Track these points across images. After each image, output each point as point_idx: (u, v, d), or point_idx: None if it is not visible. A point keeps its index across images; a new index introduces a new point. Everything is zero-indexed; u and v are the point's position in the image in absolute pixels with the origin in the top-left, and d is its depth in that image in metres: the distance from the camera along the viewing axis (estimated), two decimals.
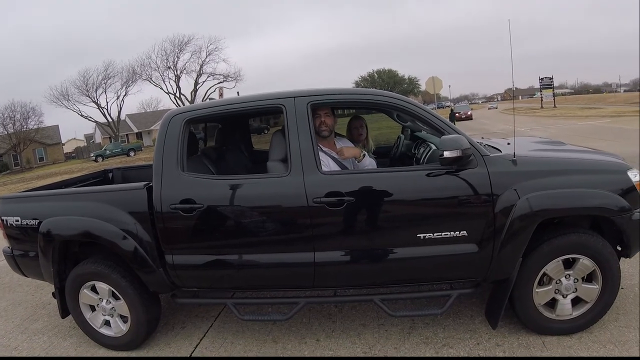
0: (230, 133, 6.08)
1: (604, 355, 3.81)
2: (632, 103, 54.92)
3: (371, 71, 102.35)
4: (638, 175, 4.11)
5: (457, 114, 54.42)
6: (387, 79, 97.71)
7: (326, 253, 4.03)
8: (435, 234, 3.90)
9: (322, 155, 4.31)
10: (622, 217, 3.96)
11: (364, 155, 4.54)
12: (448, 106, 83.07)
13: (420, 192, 3.98)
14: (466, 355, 4.03)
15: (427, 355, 4.09)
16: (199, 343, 4.72)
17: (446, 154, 3.75)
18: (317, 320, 4.92)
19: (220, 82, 67.37)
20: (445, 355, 4.07)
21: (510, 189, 3.85)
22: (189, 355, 4.52)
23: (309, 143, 4.04)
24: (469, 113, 61.74)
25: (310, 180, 3.97)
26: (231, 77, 69.23)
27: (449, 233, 3.90)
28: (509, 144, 4.48)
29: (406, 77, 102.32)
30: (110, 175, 6.89)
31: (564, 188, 3.90)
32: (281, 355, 4.35)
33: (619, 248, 4.22)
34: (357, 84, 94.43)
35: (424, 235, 3.91)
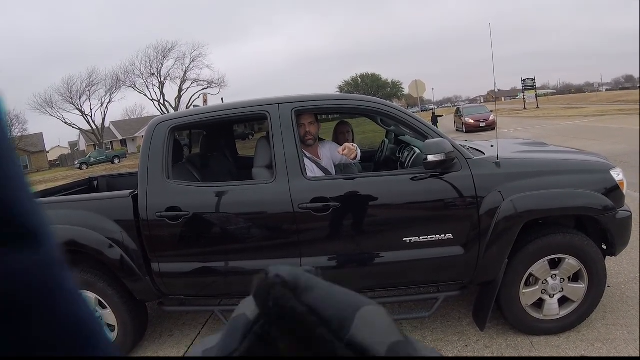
0: (215, 140, 6.07)
1: (604, 356, 3.83)
2: (615, 102, 55.36)
3: (355, 75, 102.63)
4: (621, 174, 4.15)
5: (467, 121, 35.03)
6: (370, 83, 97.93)
7: (313, 258, 4.03)
8: (421, 238, 3.92)
9: (306, 162, 4.32)
10: (607, 216, 4.00)
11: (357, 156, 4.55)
12: (432, 109, 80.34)
13: (405, 196, 4.00)
14: (471, 356, 4.05)
15: None
16: (186, 351, 4.69)
17: (430, 157, 3.77)
18: None
19: (205, 89, 67.18)
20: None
21: (495, 191, 3.87)
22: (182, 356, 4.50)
23: (293, 149, 4.04)
24: (490, 119, 34.32)
25: (296, 186, 3.97)
26: (215, 84, 69.05)
27: (434, 236, 3.91)
28: (492, 146, 4.51)
29: (389, 80, 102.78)
30: (96, 183, 6.83)
31: (548, 189, 3.93)
32: None
33: (604, 247, 4.26)
34: (341, 89, 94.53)
35: (410, 238, 3.93)
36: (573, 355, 3.87)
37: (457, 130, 38.53)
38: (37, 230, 0.41)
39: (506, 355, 3.97)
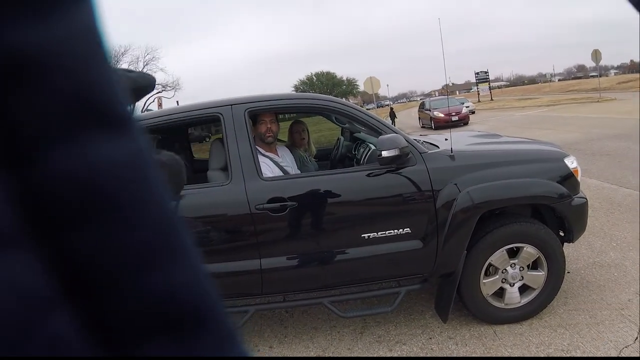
0: (170, 144, 6.00)
1: (608, 356, 3.85)
2: (567, 91, 56.41)
3: (310, 74, 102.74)
4: (575, 162, 4.21)
5: (436, 115, 31.31)
6: (325, 82, 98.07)
7: (272, 259, 3.99)
8: (379, 233, 3.92)
9: (264, 160, 4.29)
10: (563, 204, 4.06)
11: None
12: (387, 105, 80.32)
13: (362, 192, 4.00)
14: (475, 356, 4.06)
15: (381, 353, 4.10)
16: None
17: (384, 153, 3.77)
18: (268, 327, 4.88)
19: (159, 92, 66.53)
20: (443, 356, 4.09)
21: (451, 183, 3.89)
22: None
23: (248, 150, 4.01)
24: (463, 111, 31.75)
25: (252, 187, 3.93)
26: (170, 87, 68.44)
27: (392, 231, 3.91)
28: (446, 139, 4.53)
29: (344, 78, 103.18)
30: None
31: (504, 179, 3.96)
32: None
33: (561, 234, 4.31)
34: (297, 88, 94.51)
35: (369, 234, 3.92)
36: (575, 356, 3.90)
37: (422, 127, 34.67)
38: (126, 117, 0.38)
39: (514, 356, 4.00)
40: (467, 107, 33.96)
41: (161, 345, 0.37)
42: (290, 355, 4.30)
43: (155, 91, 66.32)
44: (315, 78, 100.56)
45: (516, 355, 3.81)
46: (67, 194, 0.34)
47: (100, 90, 0.36)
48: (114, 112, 0.37)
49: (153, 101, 59.16)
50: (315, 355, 4.24)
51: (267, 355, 4.36)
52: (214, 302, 0.42)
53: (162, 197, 0.39)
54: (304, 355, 4.26)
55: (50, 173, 0.33)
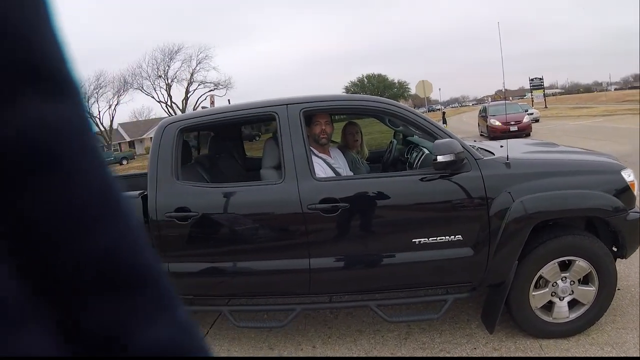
0: (223, 141, 6.08)
1: (604, 356, 3.81)
2: (624, 101, 55.15)
3: (361, 76, 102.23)
4: (632, 175, 4.12)
5: (493, 124, 26.24)
6: (376, 84, 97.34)
7: (321, 259, 4.02)
8: (430, 239, 3.90)
9: (317, 160, 4.33)
10: (617, 218, 3.96)
11: None
12: (439, 109, 79.13)
13: (415, 197, 4.00)
14: (465, 355, 4.03)
15: None
16: None
17: (439, 158, 3.75)
18: (312, 327, 4.90)
19: (211, 90, 67.33)
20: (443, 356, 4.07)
21: (505, 191, 3.85)
22: None
23: (302, 150, 4.04)
24: (525, 121, 26.39)
25: (305, 186, 3.96)
26: (222, 85, 69.39)
27: (444, 237, 3.89)
28: (502, 146, 4.49)
29: (396, 81, 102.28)
30: None
31: (559, 190, 3.90)
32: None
33: (614, 249, 4.22)
34: (347, 89, 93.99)
35: (419, 240, 3.91)
36: (581, 356, 3.85)
37: (481, 134, 29.90)
38: (70, 81, 0.40)
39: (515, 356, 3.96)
40: (530, 114, 30.21)
41: (99, 303, 0.39)
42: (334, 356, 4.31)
43: (207, 89, 67.03)
44: (366, 80, 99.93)
45: None
46: (6, 153, 0.35)
47: (42, 55, 0.37)
48: (55, 77, 0.38)
49: (205, 99, 59.73)
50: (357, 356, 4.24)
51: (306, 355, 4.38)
52: (150, 263, 0.44)
53: (100, 161, 0.41)
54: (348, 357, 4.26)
55: None
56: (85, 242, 0.39)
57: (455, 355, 4.09)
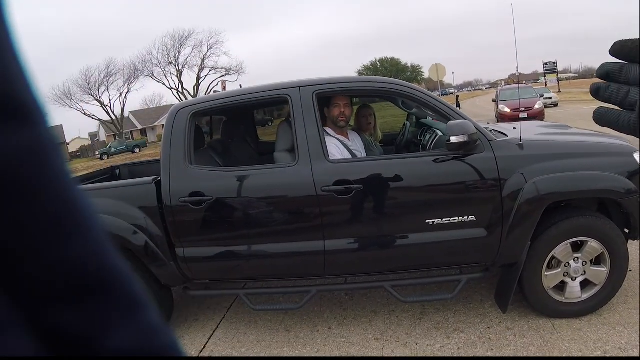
0: (236, 125, 6.10)
1: (607, 354, 3.83)
2: None
3: (374, 60, 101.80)
4: None
5: (502, 110, 24.67)
6: (389, 67, 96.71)
7: (336, 241, 4.06)
8: (443, 220, 3.93)
9: (334, 141, 4.37)
10: (629, 200, 3.96)
11: None
12: (452, 93, 77.99)
13: (428, 178, 4.02)
14: (464, 356, 4.06)
15: (439, 340, 4.12)
16: (212, 334, 4.75)
17: (453, 139, 3.77)
18: (328, 308, 4.95)
19: (223, 76, 67.34)
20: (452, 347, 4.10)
21: (517, 173, 3.86)
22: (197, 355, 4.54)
23: (315, 132, 4.06)
24: (536, 107, 24.12)
25: (318, 169, 3.99)
26: (233, 70, 69.30)
27: (457, 218, 3.92)
28: (515, 128, 4.49)
29: (409, 65, 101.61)
30: (118, 172, 6.87)
31: (571, 171, 3.91)
32: (293, 350, 4.38)
33: (626, 231, 4.23)
34: (360, 73, 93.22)
35: (433, 220, 3.94)
36: (592, 355, 3.87)
37: (496, 118, 26.42)
38: (33, 107, 0.41)
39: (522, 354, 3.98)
40: (548, 98, 28.96)
41: (66, 310, 0.42)
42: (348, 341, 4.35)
43: (219, 75, 66.92)
44: (379, 64, 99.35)
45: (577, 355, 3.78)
46: None
47: (2, 82, 0.38)
48: (14, 103, 0.39)
49: (217, 84, 59.64)
50: (373, 340, 4.28)
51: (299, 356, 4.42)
52: (118, 272, 0.46)
53: (64, 177, 0.43)
54: (362, 337, 4.30)
55: None
56: (52, 254, 0.41)
57: (458, 356, 4.13)
